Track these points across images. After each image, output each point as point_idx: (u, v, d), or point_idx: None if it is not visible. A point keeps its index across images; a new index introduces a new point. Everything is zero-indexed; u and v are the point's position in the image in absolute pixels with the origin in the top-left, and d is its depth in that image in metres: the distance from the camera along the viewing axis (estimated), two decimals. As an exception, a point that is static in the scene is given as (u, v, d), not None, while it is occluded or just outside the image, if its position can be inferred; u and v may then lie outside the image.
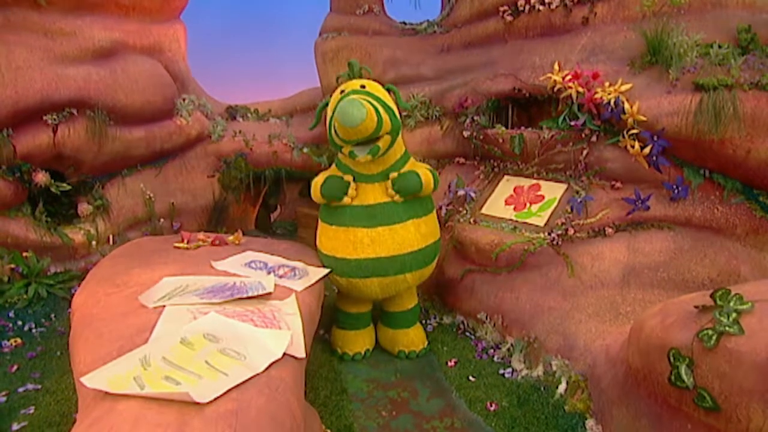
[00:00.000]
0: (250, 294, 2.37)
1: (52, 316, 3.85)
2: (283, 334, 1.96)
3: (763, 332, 1.71)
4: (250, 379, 1.62)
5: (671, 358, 1.90)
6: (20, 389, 2.98)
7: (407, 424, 2.72)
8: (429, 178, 3.15)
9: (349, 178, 3.13)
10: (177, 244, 3.21)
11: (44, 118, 4.06)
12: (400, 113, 3.10)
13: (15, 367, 3.22)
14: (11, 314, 3.76)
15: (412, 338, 3.45)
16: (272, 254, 3.20)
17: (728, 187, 3.02)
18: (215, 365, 1.66)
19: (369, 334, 3.57)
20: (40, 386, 3.00)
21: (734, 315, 1.79)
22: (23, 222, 4.11)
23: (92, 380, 1.53)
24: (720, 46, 3.05)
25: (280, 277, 2.77)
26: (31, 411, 2.77)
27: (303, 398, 1.86)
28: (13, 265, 3.96)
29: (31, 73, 3.92)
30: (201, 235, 3.39)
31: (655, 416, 2.08)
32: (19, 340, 3.53)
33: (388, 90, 3.17)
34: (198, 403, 1.42)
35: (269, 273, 2.80)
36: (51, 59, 4.06)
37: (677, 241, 3.11)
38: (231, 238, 3.41)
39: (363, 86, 2.98)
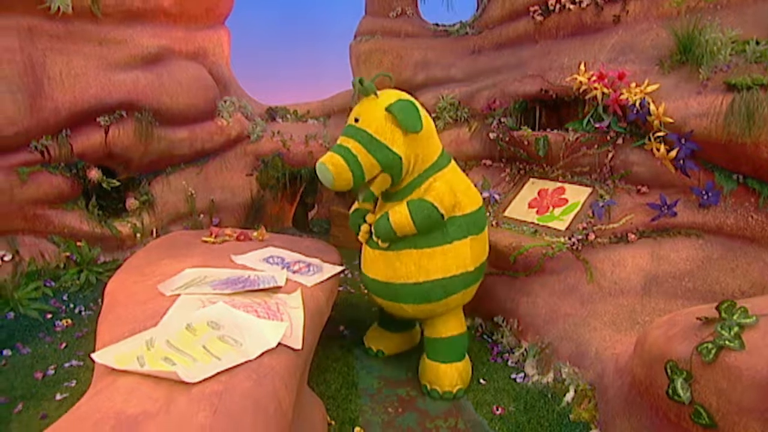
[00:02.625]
0: (261, 287, 2.50)
1: (100, 301, 4.21)
2: (281, 325, 2.07)
3: (765, 348, 1.62)
4: (241, 364, 1.74)
5: (668, 371, 1.84)
6: (66, 364, 3.31)
7: (411, 421, 2.77)
8: (400, 219, 2.72)
9: (369, 216, 3.03)
10: (205, 239, 3.43)
11: (97, 119, 4.45)
12: (414, 128, 2.67)
13: (64, 345, 3.56)
14: (65, 297, 4.16)
15: (440, 375, 2.97)
16: (292, 251, 3.33)
17: (764, 194, 2.81)
18: (211, 350, 1.79)
19: (393, 339, 3.46)
20: (82, 363, 3.31)
21: (736, 329, 1.71)
22: (78, 214, 4.52)
23: (101, 356, 1.71)
24: (758, 43, 2.84)
25: (294, 272, 2.89)
26: (73, 384, 3.07)
27: (295, 387, 1.95)
28: (68, 253, 4.38)
29: (87, 79, 4.32)
30: (228, 231, 3.59)
31: (655, 431, 2.00)
32: (69, 321, 3.90)
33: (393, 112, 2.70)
34: (187, 383, 1.55)
35: (284, 268, 2.93)
36: (104, 66, 4.44)
37: (706, 249, 2.95)
38: (255, 234, 3.59)
39: (357, 119, 2.73)
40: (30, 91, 4.00)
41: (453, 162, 3.04)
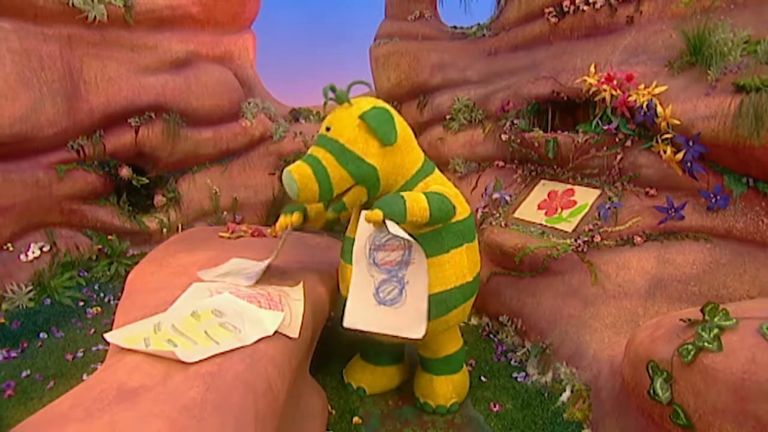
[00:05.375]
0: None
1: (127, 291, 4.49)
2: (278, 315, 2.20)
3: (742, 351, 1.63)
4: (237, 348, 1.87)
5: (650, 371, 1.86)
6: (94, 348, 3.56)
7: (409, 414, 2.85)
8: (416, 200, 2.30)
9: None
10: (221, 234, 3.61)
11: (128, 120, 4.74)
12: (388, 139, 2.41)
13: (93, 330, 3.82)
14: (96, 287, 4.45)
15: (436, 388, 2.83)
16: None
17: (775, 198, 2.75)
18: (211, 335, 1.93)
19: (376, 373, 3.04)
20: (108, 347, 3.56)
21: (716, 331, 1.72)
22: (110, 210, 4.82)
23: (113, 336, 1.88)
24: (771, 44, 2.78)
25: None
26: (98, 366, 3.29)
27: (289, 373, 2.06)
28: (100, 246, 4.68)
29: (119, 83, 4.61)
30: (244, 227, 3.76)
31: (641, 431, 2.02)
32: (99, 309, 4.17)
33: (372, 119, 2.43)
34: (185, 363, 1.70)
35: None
36: (135, 70, 4.73)
37: (714, 253, 2.90)
38: (269, 231, 3.75)
39: (328, 128, 2.47)
40: (68, 94, 4.31)
41: (437, 170, 2.75)
